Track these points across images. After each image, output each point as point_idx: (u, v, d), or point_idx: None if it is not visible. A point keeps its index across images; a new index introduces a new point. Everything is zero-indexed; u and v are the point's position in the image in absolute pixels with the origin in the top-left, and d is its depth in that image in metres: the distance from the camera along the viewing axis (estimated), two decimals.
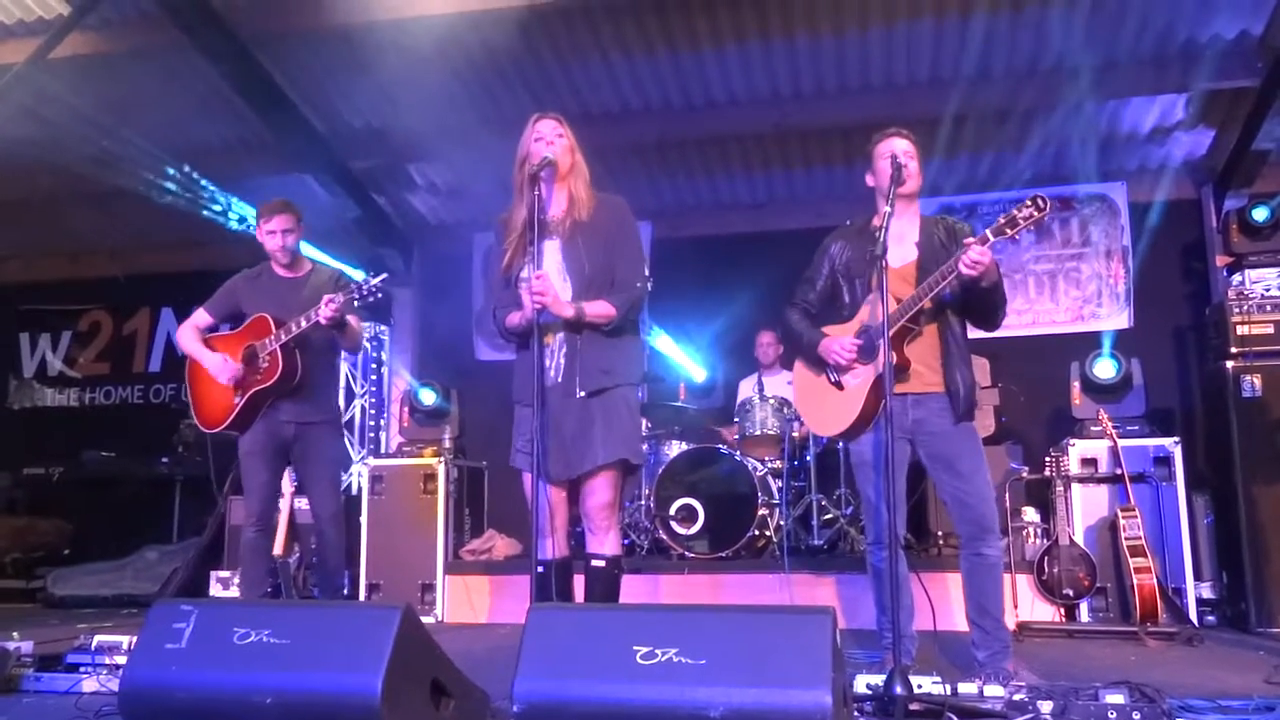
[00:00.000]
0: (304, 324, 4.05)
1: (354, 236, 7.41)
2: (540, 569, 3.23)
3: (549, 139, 3.33)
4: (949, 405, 3.33)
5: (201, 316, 4.41)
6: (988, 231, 3.12)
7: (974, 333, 3.51)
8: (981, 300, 3.32)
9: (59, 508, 7.62)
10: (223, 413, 4.24)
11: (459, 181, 7.45)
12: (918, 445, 3.39)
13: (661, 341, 6.93)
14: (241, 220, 7.25)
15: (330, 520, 4.33)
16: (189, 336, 4.39)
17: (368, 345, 7.65)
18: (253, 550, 4.30)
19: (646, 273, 3.45)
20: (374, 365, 7.70)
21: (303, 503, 5.96)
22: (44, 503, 7.63)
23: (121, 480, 7.49)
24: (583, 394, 3.25)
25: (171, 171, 6.93)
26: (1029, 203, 3.07)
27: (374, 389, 7.67)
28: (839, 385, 3.44)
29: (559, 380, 3.29)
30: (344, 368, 7.58)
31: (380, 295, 4.04)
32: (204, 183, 7.11)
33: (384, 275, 4.04)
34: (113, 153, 6.78)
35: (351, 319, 4.25)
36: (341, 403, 7.47)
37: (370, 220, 7.31)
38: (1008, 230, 3.10)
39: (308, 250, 5.20)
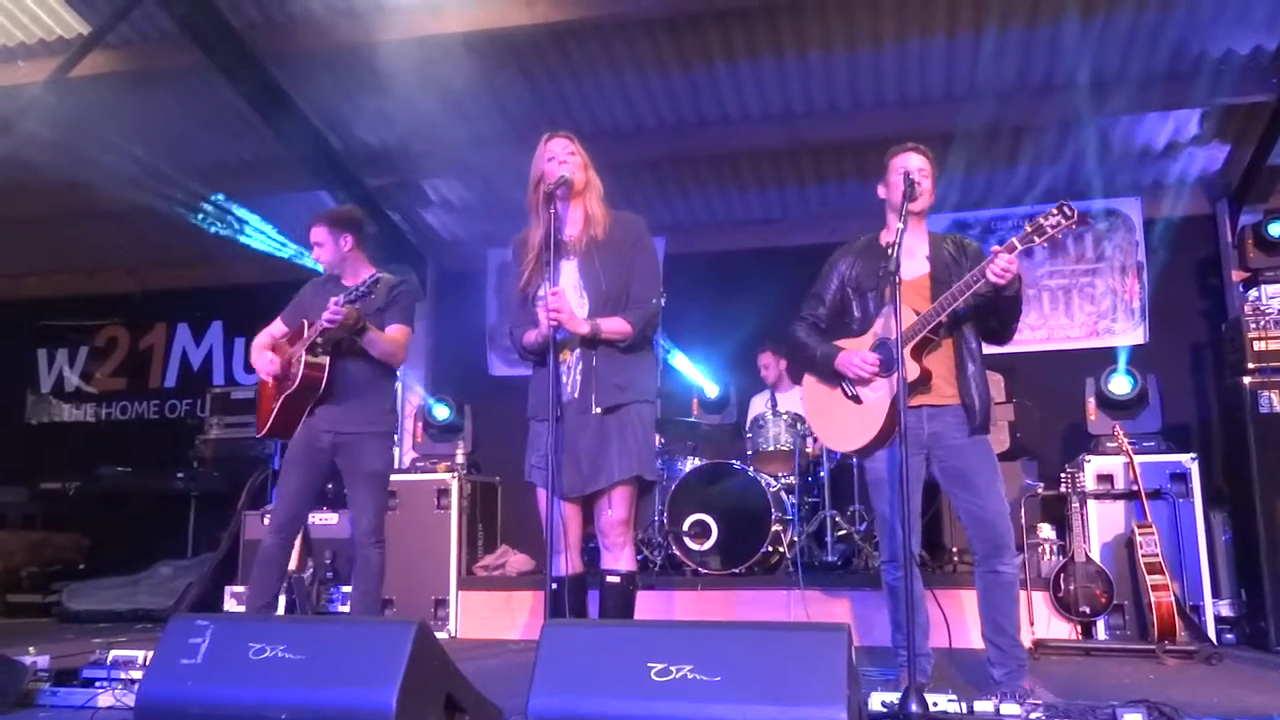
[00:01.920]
0: (317, 328, 4.01)
1: (369, 252, 7.43)
2: (554, 585, 3.23)
3: (561, 158, 3.35)
4: (965, 417, 3.32)
5: (276, 325, 4.43)
6: (1015, 240, 3.11)
7: (987, 347, 3.50)
8: (1003, 310, 3.31)
9: (75, 522, 7.65)
10: (265, 417, 4.26)
11: (473, 198, 7.49)
12: (933, 460, 3.37)
13: (674, 357, 6.93)
14: (258, 236, 7.31)
15: (366, 535, 4.20)
16: (256, 342, 4.42)
17: None
18: (266, 558, 4.21)
19: (661, 289, 3.46)
20: None
21: (316, 518, 6.02)
22: (60, 517, 7.67)
23: (137, 495, 7.53)
24: (599, 410, 3.26)
25: (188, 188, 7.00)
26: (1055, 210, 3.06)
27: None
28: (856, 399, 3.42)
29: (575, 396, 3.30)
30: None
31: (369, 295, 3.97)
32: (220, 199, 7.17)
33: (375, 276, 3.98)
34: (130, 170, 6.85)
35: (394, 329, 4.20)
36: None
37: (384, 236, 7.34)
38: (1035, 238, 3.09)
39: None
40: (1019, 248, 3.10)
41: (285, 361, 4.20)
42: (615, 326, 3.29)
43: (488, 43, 5.76)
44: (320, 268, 4.52)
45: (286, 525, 4.23)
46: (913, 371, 3.24)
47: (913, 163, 3.40)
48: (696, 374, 6.92)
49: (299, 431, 4.21)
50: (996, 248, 3.14)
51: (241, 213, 7.28)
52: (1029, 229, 3.10)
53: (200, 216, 7.18)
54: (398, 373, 4.47)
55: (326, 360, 4.13)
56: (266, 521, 4.32)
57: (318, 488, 4.36)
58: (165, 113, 6.57)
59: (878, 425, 3.33)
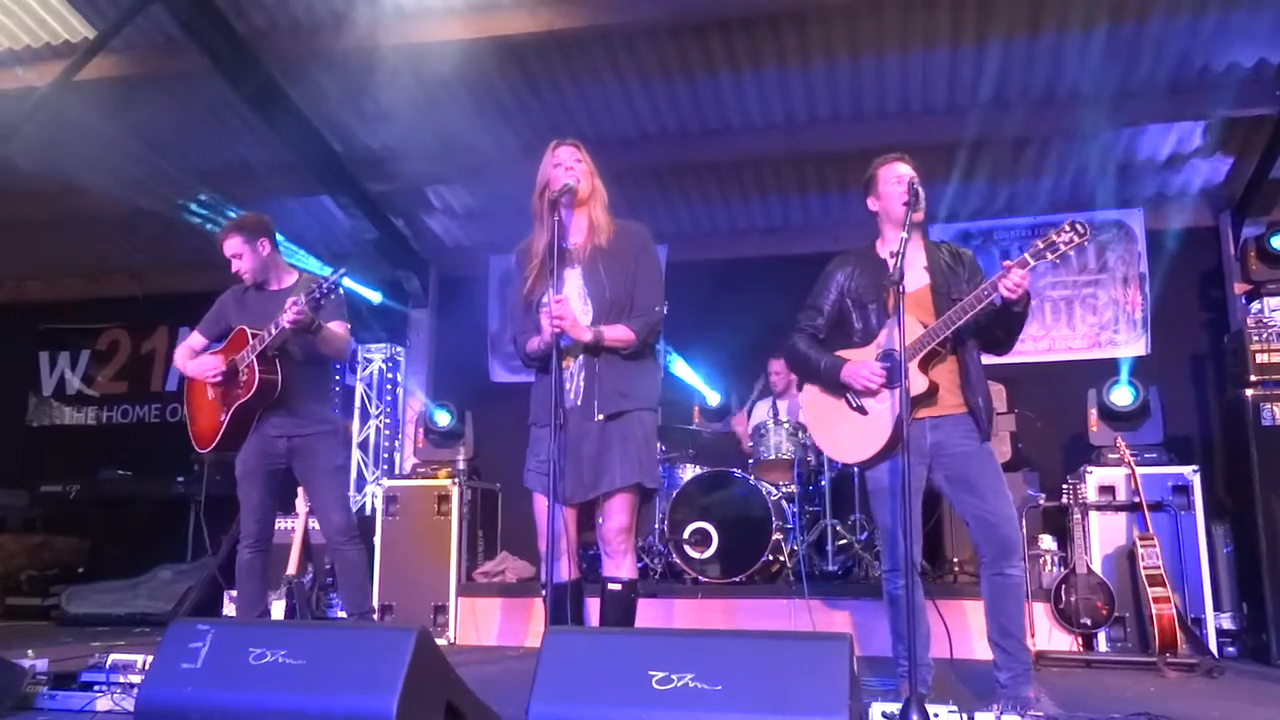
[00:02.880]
0: (273, 331, 3.97)
1: (371, 258, 7.46)
2: (552, 591, 3.22)
3: (568, 165, 3.36)
4: (973, 425, 3.32)
5: (195, 338, 4.40)
6: (1027, 255, 3.10)
7: (987, 357, 3.50)
8: (1009, 322, 3.30)
9: (75, 526, 7.66)
10: (212, 431, 4.20)
11: (476, 204, 7.50)
12: (936, 468, 3.36)
13: (676, 364, 6.93)
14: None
15: (340, 533, 4.22)
16: (181, 355, 4.38)
17: (383, 365, 7.68)
18: (248, 570, 4.23)
19: (664, 298, 3.45)
20: (389, 386, 7.73)
21: (316, 523, 6.01)
22: (60, 520, 7.68)
23: (137, 499, 7.54)
24: (601, 417, 3.26)
25: (191, 192, 7.01)
26: (1067, 227, 3.04)
27: (389, 410, 7.70)
28: (862, 410, 3.40)
29: (577, 403, 3.29)
30: (359, 388, 7.62)
31: (335, 293, 3.96)
32: (224, 204, 7.17)
33: (341, 272, 3.95)
34: (134, 174, 6.86)
35: (336, 325, 4.16)
36: (356, 424, 7.52)
37: (387, 242, 7.37)
38: (1047, 255, 3.08)
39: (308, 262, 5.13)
40: (1031, 263, 3.08)
41: (230, 370, 4.14)
42: (618, 334, 3.29)
43: (492, 50, 5.77)
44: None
45: (261, 538, 4.23)
46: (920, 384, 3.23)
47: (907, 171, 3.42)
48: (698, 382, 6.92)
49: (249, 442, 4.18)
50: (1008, 262, 3.12)
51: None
52: (1041, 245, 3.09)
53: (202, 220, 7.19)
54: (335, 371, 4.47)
55: (278, 362, 4.11)
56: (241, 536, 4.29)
57: (279, 495, 4.36)
58: (169, 117, 6.59)
59: (885, 436, 3.31)
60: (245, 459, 4.21)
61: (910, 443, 3.10)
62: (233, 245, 4.24)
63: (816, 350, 3.51)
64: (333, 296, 4.00)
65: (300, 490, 4.99)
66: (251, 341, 4.07)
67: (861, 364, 3.36)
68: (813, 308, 3.57)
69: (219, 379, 4.15)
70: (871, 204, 3.51)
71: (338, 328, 4.20)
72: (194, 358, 4.34)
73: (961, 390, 3.34)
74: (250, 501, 4.20)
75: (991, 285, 3.15)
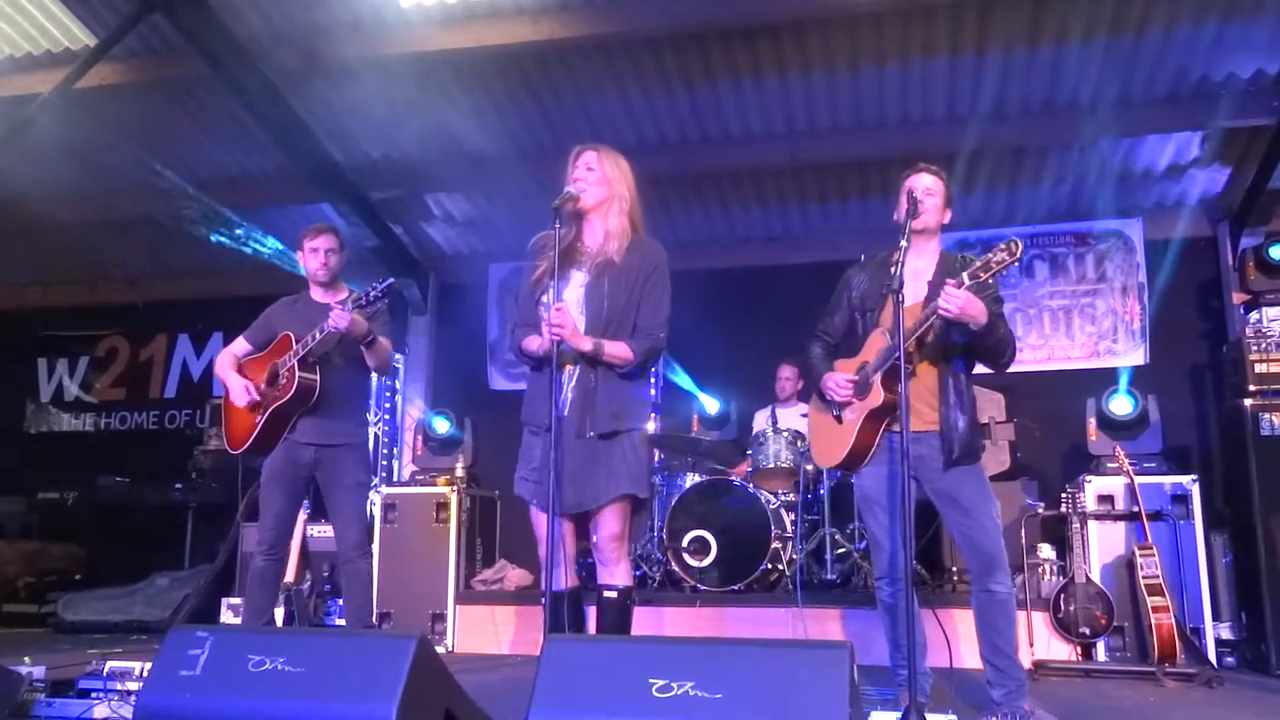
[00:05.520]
0: (317, 336, 4.02)
1: (371, 265, 7.45)
2: (550, 598, 3.21)
3: (577, 174, 3.37)
4: (940, 446, 3.31)
5: (240, 344, 4.45)
6: (964, 274, 3.13)
7: (988, 370, 3.50)
8: (975, 344, 3.29)
9: (72, 532, 7.64)
10: (245, 432, 4.22)
11: (476, 213, 7.51)
12: (922, 482, 3.38)
13: (675, 373, 6.92)
14: (262, 248, 7.33)
15: (355, 548, 4.24)
16: (224, 363, 4.43)
17: None
18: (260, 578, 4.25)
19: (667, 324, 3.42)
20: (388, 393, 7.72)
21: (315, 530, 6.02)
22: (58, 527, 7.66)
23: (135, 506, 7.51)
24: (592, 434, 3.25)
25: (192, 200, 7.01)
26: (1003, 247, 3.08)
27: (388, 417, 7.68)
28: (839, 419, 3.48)
29: (568, 415, 3.28)
30: None
31: (383, 301, 4.01)
32: (224, 211, 7.18)
33: (389, 281, 3.99)
34: (134, 181, 6.86)
35: (382, 339, 4.23)
36: None
37: (387, 250, 7.36)
38: (981, 274, 3.10)
39: None
40: (967, 283, 3.11)
41: (271, 374, 4.19)
42: (618, 351, 3.28)
43: (493, 58, 5.79)
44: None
45: (278, 544, 4.24)
46: (877, 398, 3.27)
47: (920, 182, 3.41)
48: (697, 390, 6.92)
49: (279, 448, 4.20)
50: (950, 280, 3.15)
51: (244, 225, 7.30)
52: (976, 265, 3.13)
53: (203, 228, 7.19)
54: (372, 384, 4.50)
55: (318, 369, 4.15)
56: (256, 542, 4.30)
57: (300, 504, 4.40)
58: (170, 124, 6.60)
59: (848, 444, 3.40)
60: (272, 464, 4.23)
61: (884, 453, 3.26)
62: (330, 240, 4.39)
63: (819, 359, 3.59)
64: (380, 306, 4.05)
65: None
66: (295, 346, 4.11)
67: (833, 375, 3.46)
68: (828, 313, 3.64)
69: (251, 405, 4.19)
70: (896, 215, 3.51)
71: (384, 340, 4.27)
72: (235, 364, 4.38)
73: (939, 407, 3.34)
74: (271, 507, 4.21)
75: (933, 306, 3.16)
